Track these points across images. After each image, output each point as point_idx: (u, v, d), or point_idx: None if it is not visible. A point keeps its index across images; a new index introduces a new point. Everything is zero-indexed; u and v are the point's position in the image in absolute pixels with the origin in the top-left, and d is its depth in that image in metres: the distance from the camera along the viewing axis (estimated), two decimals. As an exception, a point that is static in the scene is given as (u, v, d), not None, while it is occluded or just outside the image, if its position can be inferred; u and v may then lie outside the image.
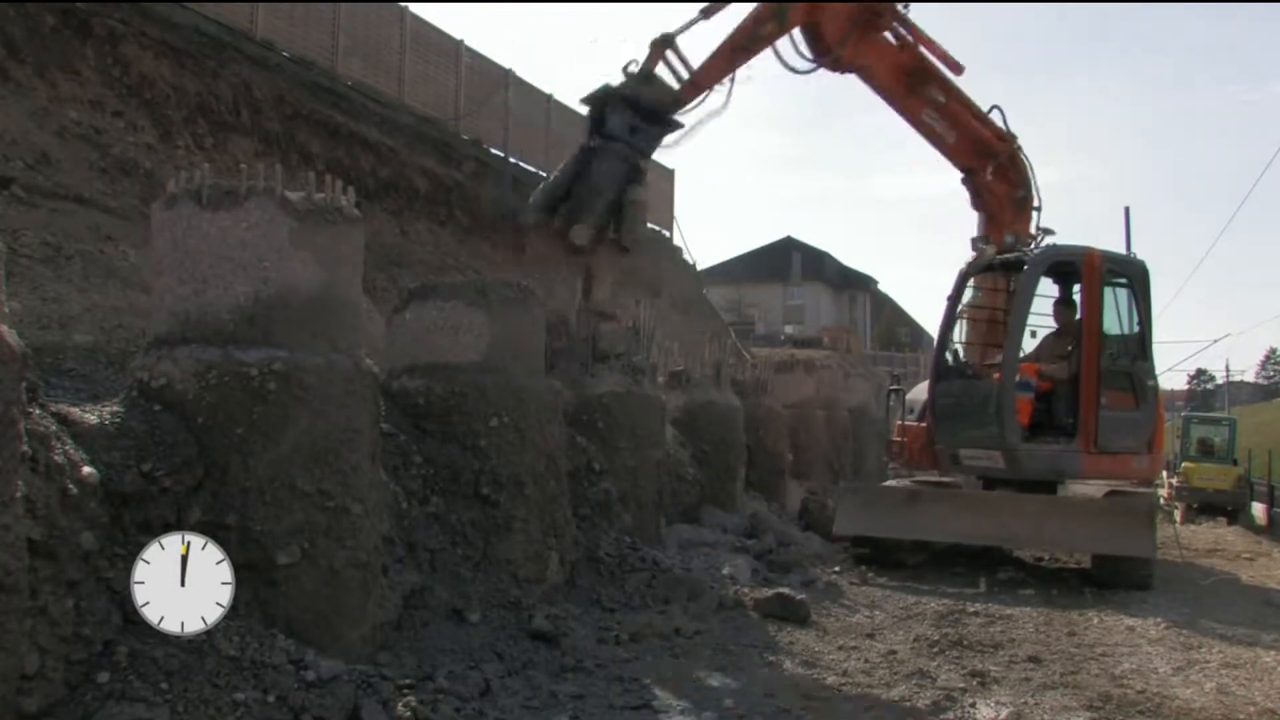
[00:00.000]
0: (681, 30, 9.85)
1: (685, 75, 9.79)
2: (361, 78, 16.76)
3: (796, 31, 10.39)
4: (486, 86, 20.01)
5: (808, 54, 10.56)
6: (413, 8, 18.23)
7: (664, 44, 9.70)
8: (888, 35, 10.97)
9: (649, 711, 4.89)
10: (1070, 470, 10.12)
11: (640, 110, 9.53)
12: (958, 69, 11.36)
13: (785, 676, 5.70)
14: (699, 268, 29.63)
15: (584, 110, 10.06)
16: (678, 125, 9.86)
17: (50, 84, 10.86)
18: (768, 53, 10.21)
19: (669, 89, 9.71)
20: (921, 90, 11.14)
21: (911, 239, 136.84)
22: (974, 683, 5.72)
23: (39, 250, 8.55)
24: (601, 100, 9.68)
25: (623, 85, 9.61)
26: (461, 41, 19.31)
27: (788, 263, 49.16)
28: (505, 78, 20.51)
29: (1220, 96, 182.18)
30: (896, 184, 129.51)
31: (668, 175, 27.55)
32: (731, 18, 10.17)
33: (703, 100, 9.82)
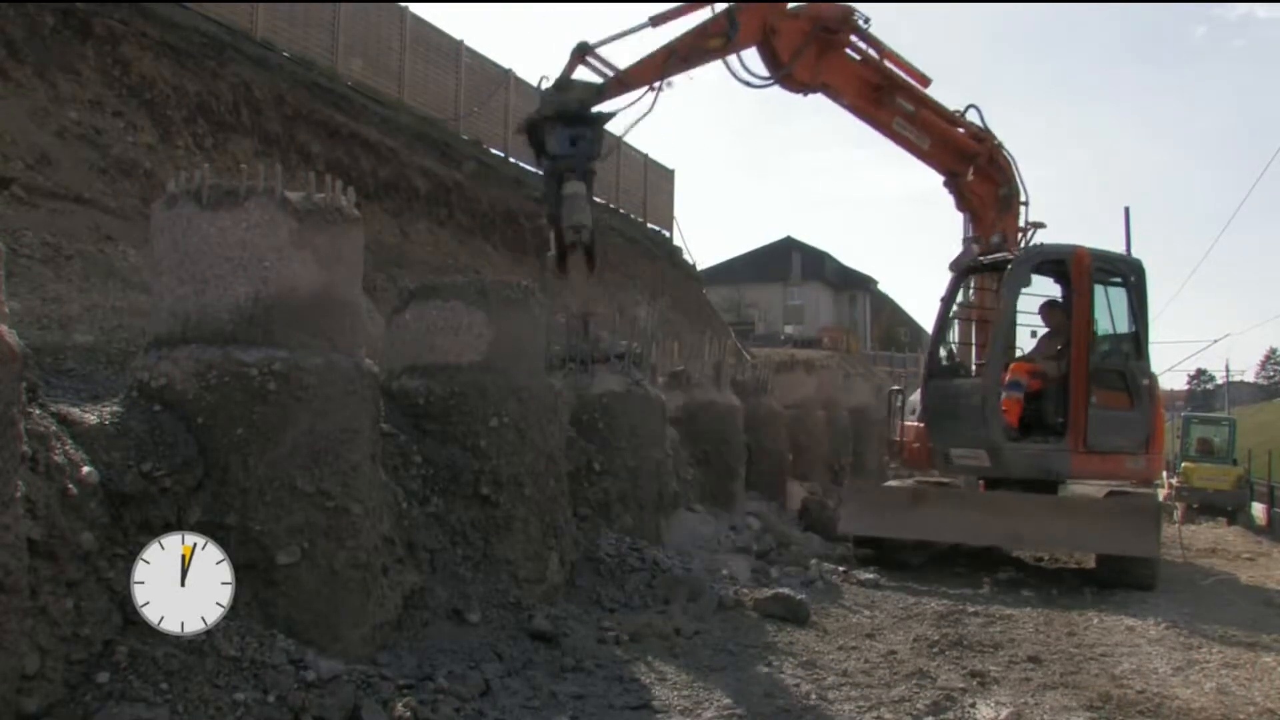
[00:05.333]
0: (610, 40, 9.81)
1: (610, 75, 9.75)
2: (361, 78, 16.77)
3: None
4: (486, 86, 20.02)
5: (762, 69, 10.47)
6: (413, 8, 18.27)
7: (583, 51, 9.69)
8: (849, 51, 10.90)
9: (649, 711, 4.89)
10: (1060, 470, 10.10)
11: (570, 119, 9.56)
12: (924, 81, 11.29)
13: (785, 676, 5.69)
14: (699, 268, 29.62)
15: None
16: (609, 116, 9.83)
17: (50, 84, 10.86)
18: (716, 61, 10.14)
19: (589, 85, 9.71)
20: (889, 102, 11.08)
21: (911, 239, 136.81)
22: (974, 683, 5.72)
23: (39, 250, 8.55)
24: (532, 127, 9.77)
25: (544, 105, 9.66)
26: (461, 41, 19.34)
27: (788, 263, 49.10)
28: (505, 78, 20.53)
29: (1222, 95, 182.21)
30: (897, 181, 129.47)
31: (668, 175, 27.57)
32: (681, 27, 10.07)
33: (634, 100, 9.72)
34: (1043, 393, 10.10)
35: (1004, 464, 9.88)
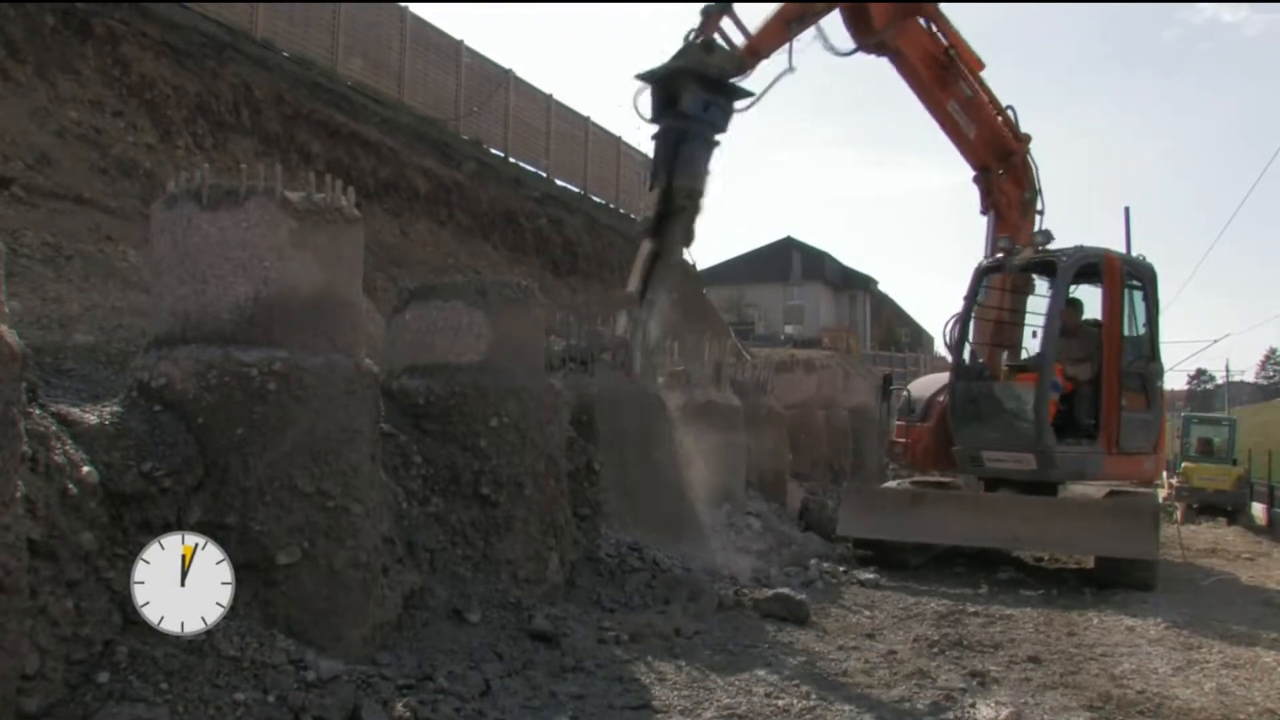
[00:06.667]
0: None
1: (741, 40, 9.62)
2: (361, 78, 16.76)
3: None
4: (486, 86, 20.01)
5: (847, 34, 10.52)
6: (413, 8, 18.25)
7: (720, 12, 9.46)
8: (922, 22, 10.95)
9: (649, 711, 4.89)
10: (1093, 472, 10.12)
11: (709, 83, 9.35)
12: (979, 65, 11.34)
13: (785, 676, 5.69)
14: (699, 268, 29.57)
15: (639, 86, 9.56)
16: (747, 93, 9.69)
17: (50, 84, 10.86)
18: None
19: (732, 56, 9.45)
20: (951, 81, 11.09)
21: (911, 239, 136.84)
22: (974, 683, 5.72)
23: (39, 250, 8.55)
24: (667, 78, 9.40)
25: (687, 59, 9.33)
26: (461, 41, 19.32)
27: (788, 263, 49.03)
28: (505, 78, 20.51)
29: (1222, 94, 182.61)
30: (897, 181, 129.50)
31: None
32: None
33: (756, 67, 9.63)
34: (1074, 394, 10.09)
35: (1051, 466, 9.83)
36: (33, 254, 8.42)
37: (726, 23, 9.58)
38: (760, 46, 9.62)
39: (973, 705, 5.25)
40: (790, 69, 9.69)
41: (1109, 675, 6.04)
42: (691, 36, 9.43)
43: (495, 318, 6.49)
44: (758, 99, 9.63)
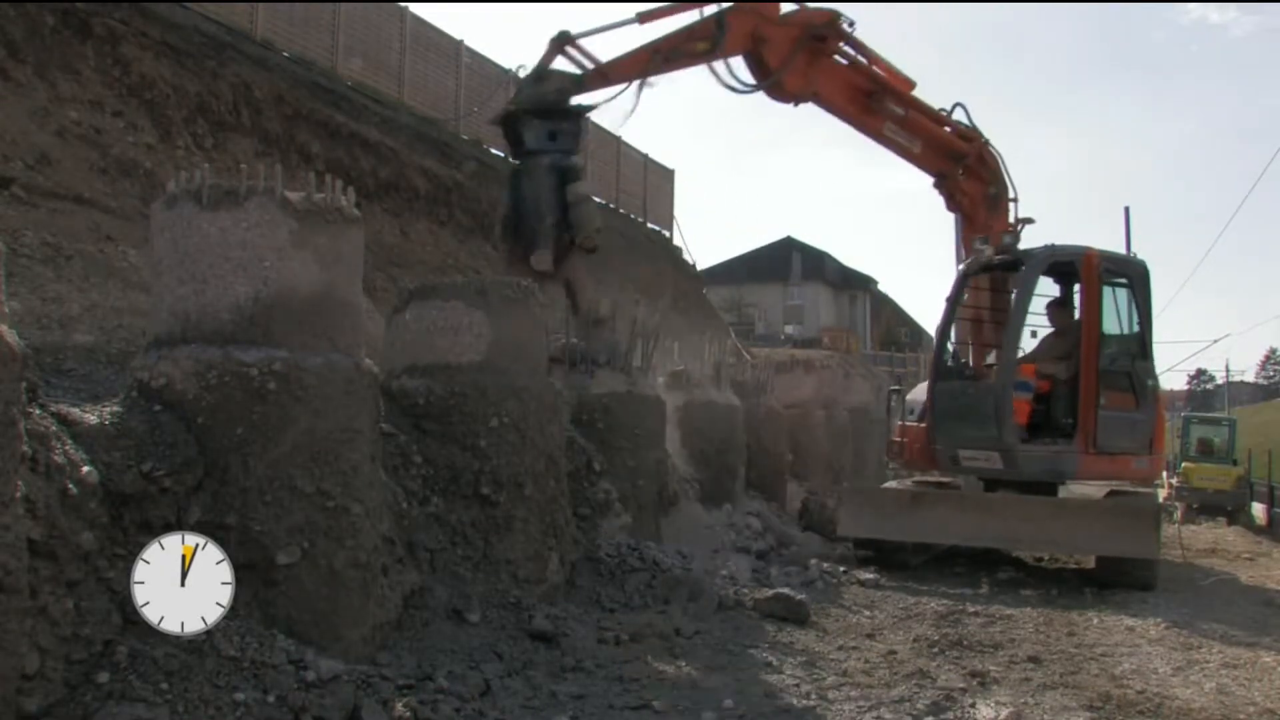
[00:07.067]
0: (593, 32, 9.41)
1: (590, 67, 9.32)
2: (361, 78, 16.77)
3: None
4: (486, 86, 20.00)
5: (748, 76, 10.15)
6: (413, 8, 18.26)
7: (563, 41, 9.26)
8: (837, 57, 10.71)
9: (649, 711, 4.89)
10: (1068, 471, 10.10)
11: (547, 112, 9.20)
12: (908, 85, 11.17)
13: (785, 676, 5.70)
14: (699, 268, 29.61)
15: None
16: (589, 108, 9.48)
17: (50, 84, 10.86)
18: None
19: (568, 76, 9.27)
20: (879, 107, 10.90)
21: (911, 239, 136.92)
22: (974, 683, 5.72)
23: (39, 250, 8.55)
24: (510, 119, 9.34)
25: (521, 97, 9.25)
26: (461, 41, 19.33)
27: (788, 263, 48.99)
28: (505, 78, 20.50)
29: (1216, 94, 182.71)
30: (896, 181, 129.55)
31: (668, 175, 27.58)
32: (669, 25, 9.73)
33: (615, 95, 9.37)
34: (1051, 394, 10.08)
35: (1016, 465, 9.84)
36: (33, 254, 8.42)
37: (573, 52, 9.36)
38: (611, 73, 9.30)
39: (973, 705, 5.25)
40: (632, 111, 9.39)
41: (1109, 675, 6.04)
42: (522, 73, 9.30)
43: (495, 318, 6.49)
44: (604, 102, 9.41)
